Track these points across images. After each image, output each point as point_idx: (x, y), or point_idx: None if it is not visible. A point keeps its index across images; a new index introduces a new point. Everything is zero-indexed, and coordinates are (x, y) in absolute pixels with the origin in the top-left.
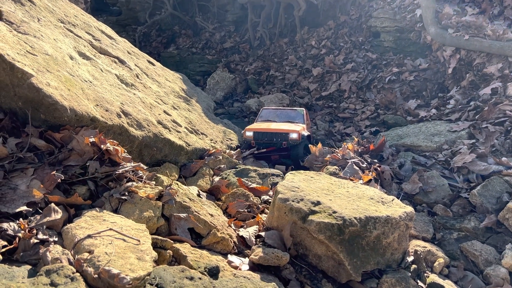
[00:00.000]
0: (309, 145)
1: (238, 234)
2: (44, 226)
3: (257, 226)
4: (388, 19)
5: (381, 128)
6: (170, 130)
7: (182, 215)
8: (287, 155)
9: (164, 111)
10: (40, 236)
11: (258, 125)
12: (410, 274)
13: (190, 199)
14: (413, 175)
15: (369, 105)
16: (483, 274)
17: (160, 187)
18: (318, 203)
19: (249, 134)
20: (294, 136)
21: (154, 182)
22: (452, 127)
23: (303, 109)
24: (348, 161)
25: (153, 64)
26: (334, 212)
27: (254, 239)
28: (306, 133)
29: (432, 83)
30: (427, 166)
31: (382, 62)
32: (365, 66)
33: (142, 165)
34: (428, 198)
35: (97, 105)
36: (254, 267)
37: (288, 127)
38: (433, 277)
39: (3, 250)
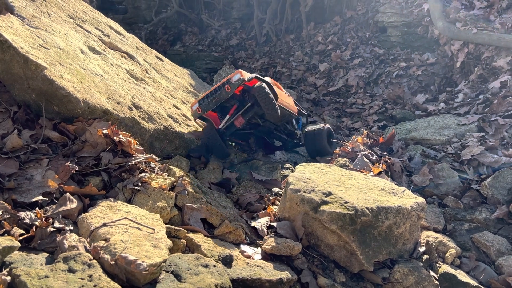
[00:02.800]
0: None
1: (250, 224)
2: (60, 215)
3: (269, 217)
4: (395, 14)
5: (389, 122)
6: (180, 124)
7: (195, 205)
8: (251, 106)
9: (174, 105)
10: (57, 224)
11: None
12: (422, 264)
13: (202, 190)
14: (423, 167)
15: (376, 100)
16: (495, 265)
17: (172, 178)
18: (330, 193)
19: (195, 107)
20: (236, 76)
21: (166, 174)
22: (461, 121)
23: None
24: (358, 153)
25: (162, 60)
26: (346, 202)
27: (265, 230)
28: (252, 75)
29: (440, 78)
30: (436, 159)
31: (390, 57)
32: (372, 61)
33: (154, 156)
34: (439, 190)
35: (109, 97)
36: (267, 256)
37: None
38: (445, 267)
39: (21, 238)
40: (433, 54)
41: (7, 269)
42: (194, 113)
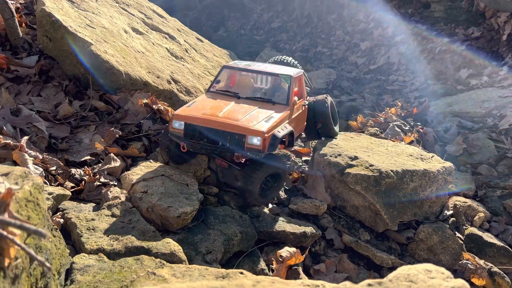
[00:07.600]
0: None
1: None
2: (105, 172)
3: (297, 181)
4: None
5: (430, 98)
6: None
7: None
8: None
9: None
10: (102, 179)
11: (196, 108)
12: (448, 226)
13: None
14: (458, 137)
15: (418, 76)
16: None
17: None
18: (356, 157)
19: (177, 126)
20: (255, 141)
21: None
22: (503, 93)
23: (292, 73)
24: (390, 124)
25: (202, 41)
26: (371, 165)
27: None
28: (284, 131)
29: (485, 52)
30: (473, 129)
31: (433, 32)
32: (415, 38)
33: None
34: (473, 159)
35: (149, 72)
36: (293, 215)
37: (250, 116)
38: (472, 229)
39: (72, 190)
40: (478, 28)
41: (60, 213)
42: (174, 133)
